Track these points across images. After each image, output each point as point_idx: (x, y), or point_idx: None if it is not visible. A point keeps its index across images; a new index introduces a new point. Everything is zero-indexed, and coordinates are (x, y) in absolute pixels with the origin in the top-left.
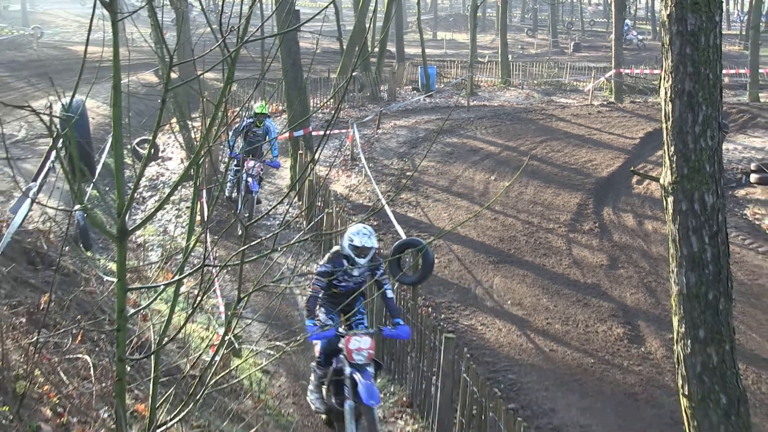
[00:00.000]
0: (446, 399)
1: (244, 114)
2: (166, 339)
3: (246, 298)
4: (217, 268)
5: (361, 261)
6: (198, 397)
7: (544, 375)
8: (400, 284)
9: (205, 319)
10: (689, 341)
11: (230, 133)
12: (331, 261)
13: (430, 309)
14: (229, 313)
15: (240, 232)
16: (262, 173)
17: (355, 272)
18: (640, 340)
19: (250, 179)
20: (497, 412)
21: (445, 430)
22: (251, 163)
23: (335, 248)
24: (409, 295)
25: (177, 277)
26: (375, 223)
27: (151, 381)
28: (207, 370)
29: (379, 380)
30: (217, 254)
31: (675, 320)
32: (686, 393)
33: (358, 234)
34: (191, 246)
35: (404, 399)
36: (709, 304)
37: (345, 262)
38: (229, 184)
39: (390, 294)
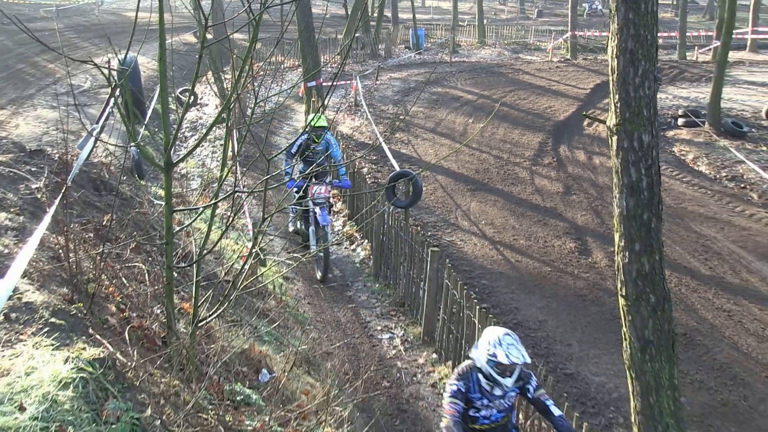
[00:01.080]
0: (431, 300)
1: (267, 67)
2: (205, 251)
3: (269, 218)
4: (245, 194)
5: (507, 381)
6: (231, 297)
7: (511, 281)
8: (395, 207)
9: (236, 236)
10: (627, 253)
11: (283, 159)
12: (464, 377)
13: (419, 227)
14: (255, 230)
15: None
16: (330, 197)
17: (497, 391)
18: (588, 253)
19: (317, 209)
20: (472, 310)
21: (430, 324)
22: (316, 188)
23: (467, 362)
24: (402, 216)
25: (213, 201)
26: (374, 158)
27: (194, 285)
28: (238, 276)
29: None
30: (245, 183)
31: (616, 236)
32: (624, 294)
33: (501, 345)
34: (224, 176)
35: (398, 300)
36: (643, 223)
37: (481, 377)
38: (291, 215)
39: (557, 411)
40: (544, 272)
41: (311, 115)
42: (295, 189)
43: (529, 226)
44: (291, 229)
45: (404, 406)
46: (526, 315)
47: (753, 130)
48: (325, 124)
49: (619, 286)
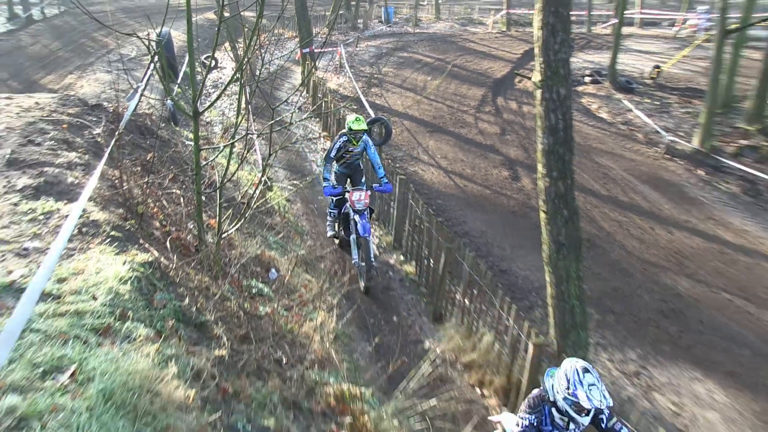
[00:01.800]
0: (399, 216)
1: (271, 38)
2: (225, 180)
3: (274, 154)
4: (255, 135)
5: (584, 420)
6: (246, 215)
7: (460, 201)
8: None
9: (249, 168)
10: (547, 178)
11: (324, 164)
12: (536, 410)
13: (390, 161)
14: (264, 163)
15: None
16: (369, 202)
17: (572, 426)
18: (518, 179)
19: (357, 217)
20: (431, 223)
21: (399, 234)
22: (356, 195)
23: (538, 392)
24: (377, 151)
25: (230, 141)
26: (355, 107)
27: (218, 206)
28: (251, 199)
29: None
30: (256, 127)
31: (539, 166)
32: (544, 209)
33: (582, 385)
34: (239, 122)
35: (374, 216)
36: (559, 156)
37: (554, 411)
38: (329, 219)
39: None
40: (485, 194)
41: (350, 117)
42: (329, 196)
43: (473, 159)
44: (330, 234)
45: (379, 295)
46: (471, 227)
47: (639, 86)
48: (364, 126)
49: (540, 203)
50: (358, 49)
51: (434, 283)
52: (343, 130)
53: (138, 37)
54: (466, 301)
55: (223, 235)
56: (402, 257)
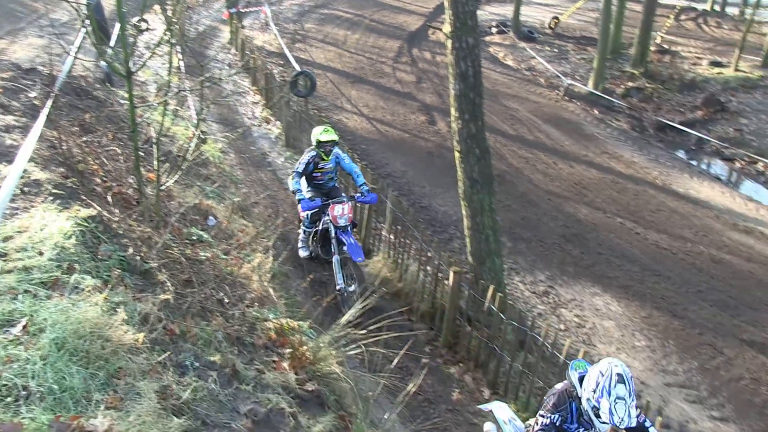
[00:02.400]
0: None
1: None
2: (161, 135)
3: (206, 109)
4: (187, 91)
5: (605, 428)
6: (183, 167)
7: (382, 145)
8: (297, 97)
9: (185, 124)
10: (460, 121)
11: (293, 178)
12: (561, 409)
13: (315, 110)
14: (198, 117)
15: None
16: (353, 216)
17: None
18: (434, 123)
19: (343, 236)
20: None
21: None
22: (338, 208)
23: (563, 385)
24: (303, 103)
25: (163, 99)
26: (281, 62)
27: (155, 160)
28: (187, 151)
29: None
30: (188, 84)
31: (452, 110)
32: (458, 149)
33: (609, 396)
34: (171, 80)
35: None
36: (470, 100)
37: (575, 405)
38: (302, 237)
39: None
40: (404, 138)
41: (317, 129)
42: (307, 210)
43: (393, 106)
44: (304, 255)
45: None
46: (393, 168)
47: (540, 36)
48: (334, 137)
49: (455, 144)
50: (281, 8)
51: (361, 222)
52: (311, 147)
53: (67, 1)
54: (391, 236)
55: (162, 188)
56: None
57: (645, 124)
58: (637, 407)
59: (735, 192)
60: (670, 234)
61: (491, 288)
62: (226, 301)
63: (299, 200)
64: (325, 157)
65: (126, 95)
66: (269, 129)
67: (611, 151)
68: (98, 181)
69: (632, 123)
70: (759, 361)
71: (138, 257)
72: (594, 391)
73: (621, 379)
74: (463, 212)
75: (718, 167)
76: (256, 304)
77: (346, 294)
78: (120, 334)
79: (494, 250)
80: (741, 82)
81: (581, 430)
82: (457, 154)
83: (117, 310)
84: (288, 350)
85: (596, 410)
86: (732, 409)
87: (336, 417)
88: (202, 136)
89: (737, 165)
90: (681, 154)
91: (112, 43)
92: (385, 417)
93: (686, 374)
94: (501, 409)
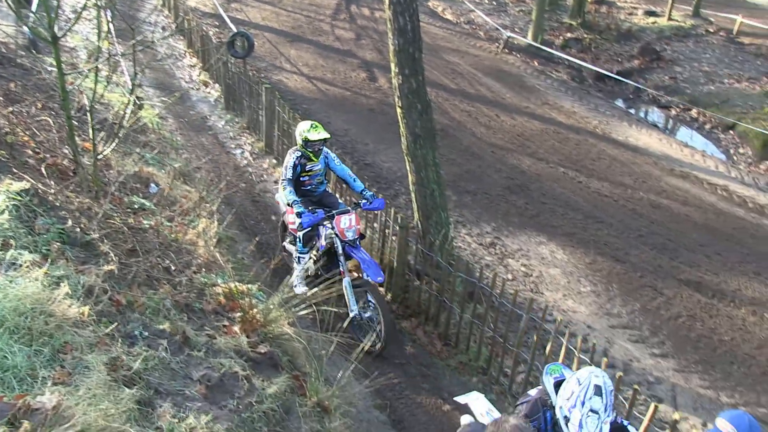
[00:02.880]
0: (269, 122)
1: None
2: (94, 102)
3: (141, 73)
4: (120, 56)
5: None
6: (120, 134)
7: (323, 104)
8: (235, 58)
9: (120, 90)
10: (400, 77)
11: (284, 187)
12: (534, 418)
13: (254, 71)
14: (131, 83)
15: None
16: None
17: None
18: (375, 79)
19: (356, 254)
20: None
21: (269, 139)
22: (345, 220)
23: (535, 392)
24: (241, 64)
25: (95, 64)
26: (217, 24)
27: (90, 128)
28: (123, 118)
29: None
30: (120, 49)
31: (392, 66)
32: (400, 105)
33: (582, 406)
34: (101, 45)
35: (244, 125)
36: (410, 55)
37: (550, 413)
38: (298, 268)
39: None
40: (345, 96)
41: (303, 125)
42: (308, 227)
43: (333, 64)
44: (300, 291)
45: (257, 198)
46: (335, 126)
47: None
48: (325, 135)
49: (396, 100)
50: None
51: None
52: (295, 147)
53: None
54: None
55: (99, 156)
56: (274, 161)
57: (584, 74)
58: (614, 410)
59: (671, 138)
60: (611, 181)
61: (438, 241)
62: (173, 268)
63: (298, 214)
64: (314, 158)
65: (54, 62)
66: (208, 92)
67: (552, 102)
68: (30, 152)
69: (572, 74)
70: (695, 299)
71: (78, 229)
72: (568, 400)
73: (598, 391)
74: (407, 168)
75: (655, 115)
76: (203, 269)
77: (362, 321)
78: (64, 308)
79: (440, 204)
80: (674, 31)
81: None
82: (398, 110)
83: (59, 284)
84: (238, 314)
85: (567, 420)
86: (671, 345)
87: (290, 377)
88: (138, 102)
89: (673, 112)
90: (619, 103)
91: (33, 7)
92: (339, 375)
93: (629, 316)
94: (477, 401)
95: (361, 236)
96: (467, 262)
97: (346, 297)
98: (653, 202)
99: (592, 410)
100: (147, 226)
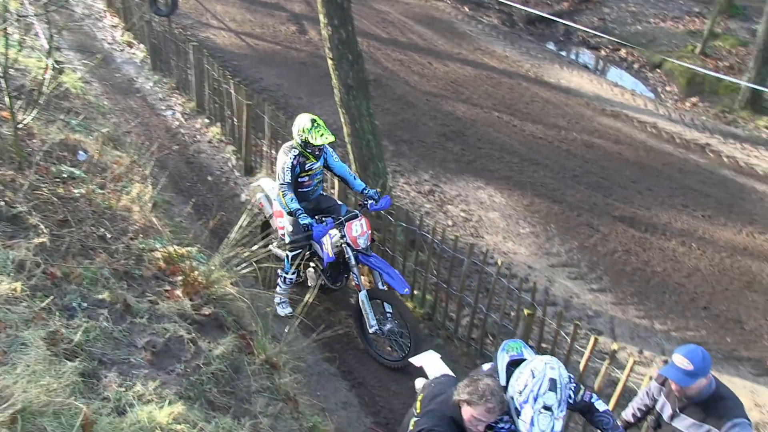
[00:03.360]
0: (198, 81)
1: None
2: (7, 68)
3: (58, 34)
4: (32, 17)
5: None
6: (40, 101)
7: (253, 59)
8: (159, 16)
9: (37, 55)
10: (330, 27)
11: (285, 194)
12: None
13: (180, 29)
14: (49, 46)
15: None
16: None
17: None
18: (305, 32)
19: (373, 264)
20: (228, 84)
21: (200, 99)
22: (356, 227)
23: (486, 368)
24: (166, 23)
25: (3, 26)
26: None
27: (6, 96)
28: (42, 84)
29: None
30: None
31: (321, 17)
32: (331, 57)
33: (534, 402)
34: (8, 5)
35: (173, 85)
36: (338, 5)
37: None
38: (281, 288)
39: (602, 406)
40: (276, 50)
41: (304, 122)
42: (320, 239)
43: (261, 18)
44: (285, 312)
45: (191, 159)
46: (267, 82)
47: None
48: (331, 138)
49: (327, 51)
50: None
51: (241, 140)
52: (289, 143)
53: None
54: (272, 151)
55: (19, 126)
56: (207, 120)
57: (514, 18)
58: (574, 390)
59: (602, 79)
60: (544, 124)
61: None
62: (108, 236)
63: (306, 226)
64: (312, 157)
65: None
66: (133, 53)
67: (484, 47)
68: None
69: (502, 18)
70: (629, 234)
71: (2, 203)
72: (520, 393)
73: (553, 386)
74: (342, 120)
75: (586, 56)
76: (140, 235)
77: (382, 335)
78: None
79: (376, 155)
80: None
81: (506, 421)
82: (330, 62)
83: None
84: (180, 277)
85: (518, 414)
86: (608, 279)
87: (236, 337)
88: (57, 67)
89: (602, 53)
90: (550, 45)
91: None
92: (286, 331)
93: (568, 254)
94: (432, 362)
95: (373, 241)
96: (407, 211)
97: (363, 312)
98: (586, 142)
99: (545, 407)
100: (78, 194)
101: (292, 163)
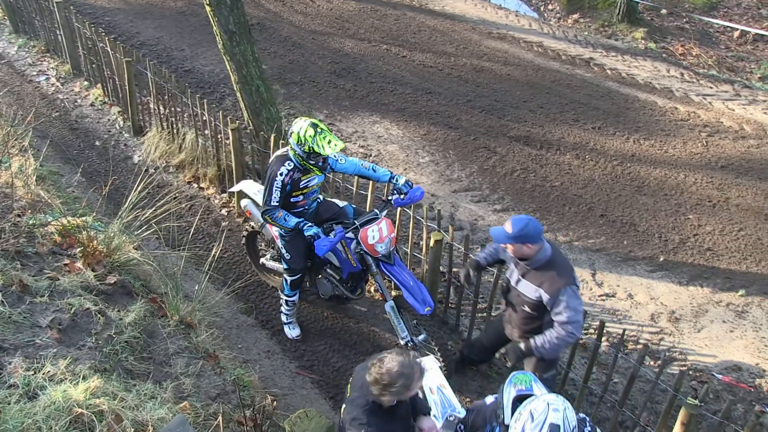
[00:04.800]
0: (70, 42)
1: None
2: None
3: None
4: None
5: None
6: None
7: (128, 13)
8: None
9: None
10: None
11: (272, 216)
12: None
13: None
14: None
15: None
16: (395, 235)
17: None
18: None
19: (395, 275)
20: (104, 42)
21: (75, 61)
22: (373, 232)
23: (490, 401)
24: None
25: None
26: None
27: None
28: None
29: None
30: None
31: None
32: (208, 3)
33: None
34: None
35: (43, 48)
36: None
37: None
38: (286, 316)
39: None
40: (151, 1)
41: (305, 127)
42: (325, 253)
43: None
44: (294, 335)
45: (75, 125)
46: (145, 36)
47: None
48: (342, 146)
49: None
50: None
51: (125, 100)
52: (282, 151)
53: None
54: (160, 108)
55: None
56: (86, 82)
57: None
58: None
59: (485, 2)
60: (433, 52)
61: (272, 137)
62: None
63: (312, 237)
64: (316, 170)
65: None
66: None
67: None
68: None
69: None
70: (525, 152)
71: None
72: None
73: (555, 430)
74: (228, 67)
75: None
76: (28, 211)
77: (416, 347)
78: None
79: (268, 100)
80: None
81: None
82: (208, 9)
83: None
84: (78, 249)
85: None
86: (510, 199)
87: (147, 301)
88: None
89: None
90: None
91: None
92: (197, 287)
93: (469, 178)
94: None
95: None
96: None
97: (392, 323)
98: (476, 66)
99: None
100: None
101: (282, 180)
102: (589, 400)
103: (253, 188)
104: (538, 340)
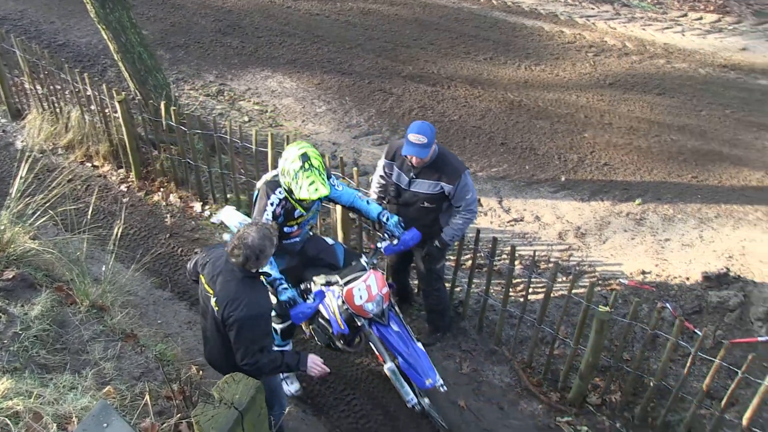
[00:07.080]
0: None
1: None
2: None
3: None
4: None
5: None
6: None
7: None
8: None
9: None
10: None
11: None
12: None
13: None
14: None
15: None
16: (388, 290)
17: None
18: None
19: (392, 340)
20: None
21: None
22: (359, 292)
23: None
24: None
25: None
26: None
27: None
28: None
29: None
30: None
31: None
32: None
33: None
34: None
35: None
36: None
37: None
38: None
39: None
40: None
41: (293, 160)
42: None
43: None
44: (293, 390)
45: None
46: (6, 10)
47: None
48: (326, 191)
49: None
50: None
51: None
52: (274, 173)
53: None
54: (37, 87)
55: None
56: None
57: None
58: None
59: None
60: (318, 0)
61: (163, 104)
62: None
63: (289, 303)
64: (299, 206)
65: None
66: None
67: None
68: None
69: None
70: (421, 90)
71: None
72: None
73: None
74: (105, 36)
75: None
76: None
77: (424, 410)
78: None
79: (152, 66)
80: None
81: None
82: None
83: None
84: None
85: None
86: None
87: (52, 291)
88: None
89: None
90: None
91: None
92: (104, 269)
93: (368, 122)
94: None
95: (390, 286)
96: (199, 117)
97: (395, 386)
98: (363, 9)
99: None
100: None
101: (273, 212)
102: (509, 322)
103: (235, 218)
104: (447, 233)
